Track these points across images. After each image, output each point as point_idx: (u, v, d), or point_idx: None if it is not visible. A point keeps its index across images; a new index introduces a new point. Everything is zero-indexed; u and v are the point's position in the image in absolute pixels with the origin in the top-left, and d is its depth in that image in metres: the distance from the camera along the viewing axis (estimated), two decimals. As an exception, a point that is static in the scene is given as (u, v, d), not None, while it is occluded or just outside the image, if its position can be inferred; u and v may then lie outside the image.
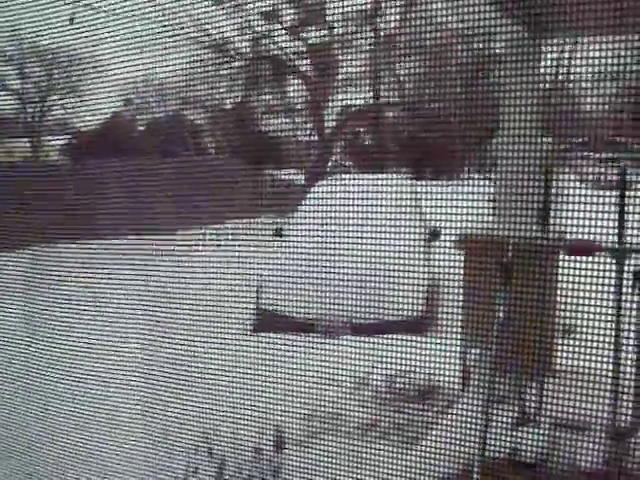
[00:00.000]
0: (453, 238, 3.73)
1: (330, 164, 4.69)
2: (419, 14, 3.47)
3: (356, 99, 3.78)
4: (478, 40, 3.69)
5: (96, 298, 3.78)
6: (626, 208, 3.63)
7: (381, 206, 3.44)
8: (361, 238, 3.53)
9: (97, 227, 3.89)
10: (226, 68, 3.86)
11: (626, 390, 3.58)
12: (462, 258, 3.71)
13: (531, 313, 3.43)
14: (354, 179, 3.45)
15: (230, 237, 3.76)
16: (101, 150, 4.09)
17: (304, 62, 4.24)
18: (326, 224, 3.55)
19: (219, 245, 3.72)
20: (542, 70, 3.69)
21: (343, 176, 3.82)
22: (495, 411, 3.67)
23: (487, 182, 3.74)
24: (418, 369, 3.38)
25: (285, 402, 3.59)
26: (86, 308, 3.79)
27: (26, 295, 3.89)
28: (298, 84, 4.26)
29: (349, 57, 3.89)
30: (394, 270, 3.49)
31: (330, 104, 4.11)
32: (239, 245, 3.73)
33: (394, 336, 3.42)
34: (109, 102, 3.77)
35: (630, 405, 3.60)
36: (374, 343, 3.44)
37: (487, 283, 3.67)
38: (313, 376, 3.52)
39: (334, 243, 3.57)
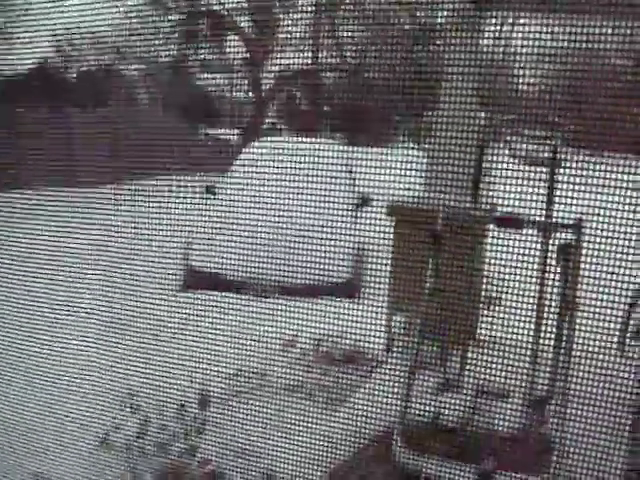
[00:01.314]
0: (384, 206, 3.95)
1: (265, 125, 4.78)
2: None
3: (294, 60, 3.78)
4: (421, 10, 3.89)
5: (18, 256, 3.80)
6: (555, 185, 3.76)
7: (313, 170, 3.47)
8: (292, 200, 3.60)
9: (21, 177, 3.94)
10: (163, 21, 3.89)
11: (544, 360, 3.76)
12: (392, 226, 3.82)
13: (458, 283, 3.60)
14: (287, 141, 3.55)
15: (161, 193, 3.81)
16: (29, 97, 4.06)
17: (244, 19, 4.24)
18: (258, 185, 3.66)
19: (148, 201, 3.78)
20: (483, 44, 3.77)
21: (277, 138, 3.95)
22: (418, 377, 3.83)
23: (421, 152, 3.82)
24: (345, 333, 3.50)
25: (212, 361, 3.64)
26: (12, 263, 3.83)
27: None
28: (237, 41, 4.27)
29: (290, 17, 3.98)
30: (324, 234, 3.57)
31: (268, 64, 4.09)
32: (170, 202, 3.81)
33: (322, 299, 3.54)
34: (39, 49, 3.77)
35: (547, 374, 3.78)
36: (302, 306, 3.50)
37: (416, 252, 3.78)
38: (241, 336, 3.62)
39: (266, 204, 3.68)
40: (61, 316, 3.87)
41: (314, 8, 3.86)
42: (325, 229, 3.56)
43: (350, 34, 3.97)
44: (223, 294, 3.81)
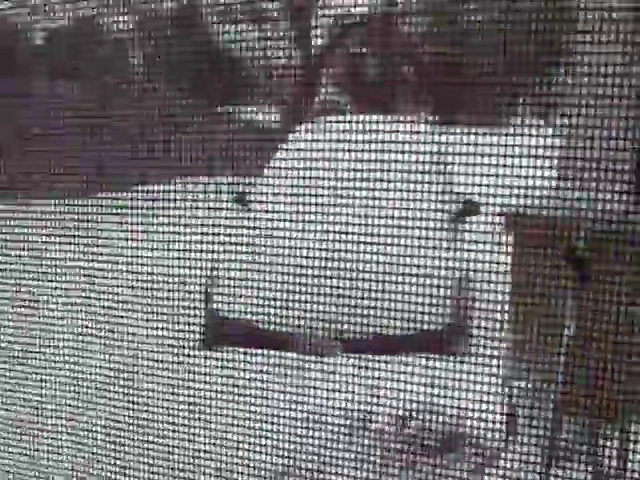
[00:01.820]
0: (497, 216, 3.56)
1: (317, 101, 4.43)
2: None
3: (357, 6, 3.47)
4: None
5: None
6: None
7: (390, 164, 3.37)
8: (361, 212, 3.47)
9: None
10: None
11: None
12: (510, 245, 3.70)
13: (614, 328, 3.31)
14: (351, 122, 3.34)
15: (170, 207, 3.58)
16: None
17: None
18: (309, 190, 3.44)
19: (153, 217, 3.53)
20: None
21: (336, 118, 3.60)
22: (555, 471, 3.53)
23: (551, 133, 3.50)
24: (441, 406, 3.40)
25: (249, 450, 3.52)
26: None
27: None
28: None
29: None
30: (407, 260, 3.39)
31: (319, 12, 3.69)
32: (181, 217, 3.58)
33: (407, 357, 3.43)
34: None
35: None
36: (376, 368, 3.43)
37: (548, 282, 3.49)
38: (289, 415, 3.46)
39: (321, 218, 3.45)
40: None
41: None
42: (411, 252, 3.37)
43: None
44: (261, 352, 3.70)
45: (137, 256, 3.58)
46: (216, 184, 3.77)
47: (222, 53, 3.50)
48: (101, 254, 3.66)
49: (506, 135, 3.35)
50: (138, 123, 3.51)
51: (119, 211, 3.48)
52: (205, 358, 3.61)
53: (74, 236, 3.63)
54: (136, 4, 3.51)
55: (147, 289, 3.59)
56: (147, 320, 3.55)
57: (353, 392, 3.47)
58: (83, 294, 3.77)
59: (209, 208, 3.62)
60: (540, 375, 3.70)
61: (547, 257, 3.49)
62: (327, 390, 3.45)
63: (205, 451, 3.63)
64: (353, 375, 3.48)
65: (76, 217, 3.64)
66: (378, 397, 3.43)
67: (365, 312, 3.54)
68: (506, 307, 3.53)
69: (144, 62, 3.66)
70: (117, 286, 3.62)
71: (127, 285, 3.57)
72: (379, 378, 3.41)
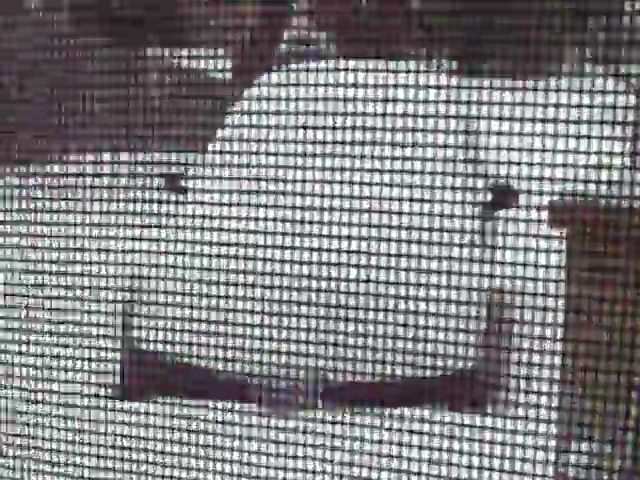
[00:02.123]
0: (543, 204, 3.36)
1: (285, 41, 4.10)
2: None
3: None
4: None
5: None
6: None
7: (393, 134, 3.15)
8: (349, 204, 3.20)
9: None
10: None
11: None
12: (563, 244, 3.37)
13: None
14: (335, 71, 3.08)
15: (75, 193, 3.26)
16: None
17: None
18: (272, 170, 3.13)
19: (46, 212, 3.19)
20: None
21: (311, 65, 3.26)
22: None
23: (623, 91, 3.13)
24: None
25: None
26: None
27: None
28: None
29: None
30: (416, 275, 3.21)
31: None
32: (90, 213, 3.22)
33: (410, 413, 3.25)
34: None
35: None
36: (378, 426, 3.14)
37: (621, 298, 3.19)
38: None
39: (291, 213, 3.20)
40: None
41: None
42: (422, 264, 3.20)
43: None
44: (206, 403, 3.36)
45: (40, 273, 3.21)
46: (139, 164, 3.28)
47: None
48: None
49: (556, 91, 3.06)
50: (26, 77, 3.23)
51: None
52: (123, 411, 3.18)
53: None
54: None
55: (40, 309, 3.21)
56: (41, 356, 3.20)
57: (337, 463, 3.06)
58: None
59: (127, 200, 3.12)
60: (609, 436, 3.23)
61: (617, 265, 3.19)
62: (302, 458, 3.07)
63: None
64: (337, 437, 3.08)
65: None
66: (371, 468, 3.03)
67: (356, 348, 3.27)
68: (558, 335, 3.26)
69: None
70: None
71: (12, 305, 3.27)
72: (375, 441, 3.07)
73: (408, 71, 3.11)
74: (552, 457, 3.59)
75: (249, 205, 3.07)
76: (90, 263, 3.06)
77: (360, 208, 3.21)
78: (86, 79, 3.31)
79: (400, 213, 2.95)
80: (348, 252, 3.06)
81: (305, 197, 3.09)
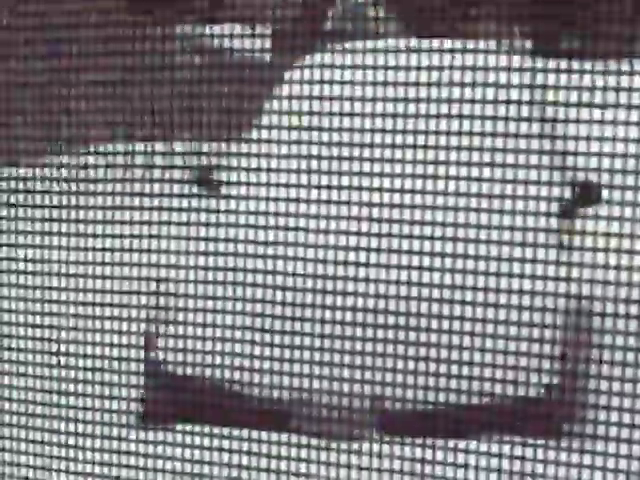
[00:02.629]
0: (638, 201, 2.96)
1: (332, 16, 3.83)
2: None
3: None
4: None
5: None
6: None
7: (460, 121, 2.88)
8: (406, 201, 3.06)
9: None
10: None
11: None
12: None
13: None
14: (393, 52, 2.91)
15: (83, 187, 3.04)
16: None
17: None
18: (319, 161, 2.85)
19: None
20: None
21: (366, 45, 3.02)
22: None
23: None
24: None
25: None
26: None
27: None
28: None
29: None
30: (482, 281, 3.14)
31: None
32: (106, 209, 3.00)
33: (476, 444, 2.92)
34: None
35: None
36: (431, 461, 2.85)
37: None
38: None
39: (337, 211, 2.93)
40: None
41: None
42: (490, 268, 2.87)
43: None
44: (241, 432, 3.06)
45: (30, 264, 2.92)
46: (166, 154, 2.96)
47: None
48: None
49: None
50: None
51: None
52: (143, 442, 2.85)
53: None
54: None
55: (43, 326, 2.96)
56: (44, 377, 2.94)
57: None
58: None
59: (152, 195, 2.80)
60: None
61: None
62: None
63: None
64: (394, 471, 2.77)
65: None
66: None
67: (413, 369, 2.90)
68: None
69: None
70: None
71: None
72: (438, 477, 2.76)
73: (479, 50, 2.82)
74: None
75: (293, 200, 2.75)
76: (111, 264, 2.74)
77: (426, 204, 2.87)
78: (110, 61, 3.06)
79: (470, 210, 2.63)
80: (396, 250, 2.68)
81: (362, 192, 2.76)
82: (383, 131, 2.77)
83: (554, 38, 3.46)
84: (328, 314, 2.90)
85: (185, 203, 2.82)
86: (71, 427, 3.15)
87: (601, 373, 2.86)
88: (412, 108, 2.79)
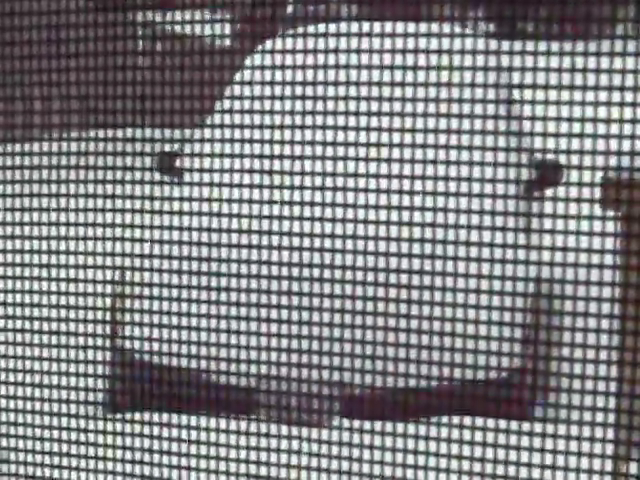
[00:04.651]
0: (593, 182, 2.65)
1: (292, 2, 3.70)
2: None
3: None
4: None
5: None
6: None
7: (424, 104, 2.97)
8: (372, 184, 3.07)
9: None
10: None
11: None
12: (618, 227, 3.33)
13: None
14: (356, 35, 2.85)
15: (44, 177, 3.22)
16: None
17: None
18: (282, 145, 2.88)
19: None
20: None
21: (329, 28, 3.04)
22: None
23: None
24: None
25: None
26: None
27: None
28: None
29: None
30: (449, 263, 3.08)
31: None
32: (71, 196, 2.99)
33: (449, 420, 2.74)
34: None
35: None
36: (392, 434, 2.83)
37: None
38: None
39: (300, 195, 2.84)
40: None
41: None
42: (456, 250, 2.76)
43: None
44: (207, 417, 2.83)
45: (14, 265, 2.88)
46: (128, 140, 2.95)
47: None
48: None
49: (610, 55, 2.78)
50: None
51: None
52: (105, 433, 2.69)
53: None
54: None
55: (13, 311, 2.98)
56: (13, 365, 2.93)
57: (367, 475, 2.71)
58: None
59: (116, 181, 2.75)
60: None
61: None
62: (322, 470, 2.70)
63: None
64: (357, 446, 2.74)
65: None
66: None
67: (379, 351, 2.96)
68: (615, 326, 3.36)
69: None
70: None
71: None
72: (409, 451, 2.68)
73: (442, 34, 2.76)
74: (609, 467, 3.42)
75: (253, 187, 2.71)
76: (74, 253, 2.72)
77: (382, 188, 2.83)
78: (68, 47, 3.05)
79: (434, 194, 2.63)
80: (363, 236, 2.67)
81: (315, 176, 2.74)
82: (344, 114, 2.72)
83: (516, 21, 3.47)
84: (295, 300, 2.95)
85: (147, 190, 2.85)
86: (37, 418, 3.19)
87: (562, 355, 2.92)
88: (375, 91, 2.83)
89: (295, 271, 3.09)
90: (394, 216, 3.11)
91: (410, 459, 2.93)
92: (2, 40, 3.15)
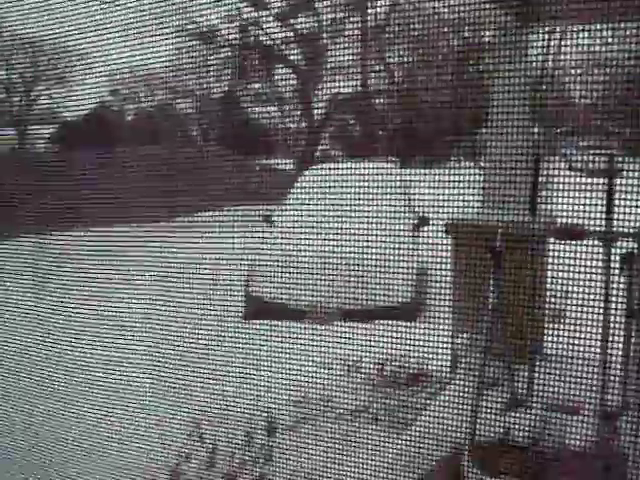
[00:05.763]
0: (442, 224, 4.35)
1: (318, 152, 5.19)
2: (408, 2, 4.14)
3: (345, 87, 4.31)
4: (467, 29, 4.45)
5: (93, 287, 4.42)
6: (614, 194, 4.24)
7: (370, 193, 3.85)
8: (350, 225, 3.99)
9: (86, 216, 4.58)
10: (213, 57, 4.60)
11: (614, 373, 4.22)
12: (450, 244, 4.30)
13: (521, 298, 4.03)
14: (343, 167, 3.90)
15: (220, 225, 4.23)
16: (88, 139, 4.84)
17: (292, 50, 4.91)
18: (315, 211, 4.02)
19: (209, 233, 4.23)
20: (531, 59, 4.39)
21: (331, 164, 4.33)
22: (485, 395, 4.25)
23: (476, 170, 4.30)
24: (408, 355, 3.87)
25: (276, 388, 4.15)
26: (85, 296, 4.49)
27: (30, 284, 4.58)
28: (287, 73, 4.99)
29: (337, 45, 4.59)
30: (384, 257, 3.96)
31: (319, 92, 4.80)
32: (229, 233, 4.25)
33: (385, 322, 3.88)
34: (95, 92, 4.55)
35: (618, 387, 4.20)
36: (365, 329, 3.88)
37: (476, 269, 4.15)
38: (304, 362, 4.05)
39: (323, 230, 4.03)
40: (128, 348, 4.56)
41: (360, 34, 4.56)
42: (385, 252, 3.99)
43: (398, 57, 4.61)
44: (285, 322, 4.42)
45: (199, 265, 4.22)
46: (251, 210, 4.52)
47: (255, 124, 4.43)
48: (174, 263, 4.34)
49: (446, 170, 3.88)
50: (199, 171, 4.44)
51: (189, 232, 4.26)
52: (246, 326, 4.32)
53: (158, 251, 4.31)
54: (196, 91, 4.86)
55: (206, 282, 4.29)
56: (210, 303, 4.31)
57: (349, 347, 3.86)
58: (159, 290, 4.40)
59: (245, 228, 4.18)
60: (474, 330, 4.36)
61: (475, 252, 4.15)
62: (332, 346, 3.90)
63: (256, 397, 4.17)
64: (349, 336, 3.91)
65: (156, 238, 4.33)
66: (366, 349, 3.83)
67: (357, 293, 4.14)
68: (450, 287, 4.06)
69: (201, 131, 4.84)
70: (188, 281, 4.33)
71: (193, 282, 4.34)
72: (368, 337, 3.80)
73: (374, 166, 3.75)
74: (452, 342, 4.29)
75: (301, 227, 3.81)
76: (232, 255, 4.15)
77: (358, 227, 3.80)
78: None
79: (379, 228, 3.67)
80: (351, 247, 3.79)
81: (325, 223, 3.75)
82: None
83: (409, 156, 4.82)
84: (319, 272, 3.93)
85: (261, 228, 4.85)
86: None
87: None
88: (349, 193, 3.72)
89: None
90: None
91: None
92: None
